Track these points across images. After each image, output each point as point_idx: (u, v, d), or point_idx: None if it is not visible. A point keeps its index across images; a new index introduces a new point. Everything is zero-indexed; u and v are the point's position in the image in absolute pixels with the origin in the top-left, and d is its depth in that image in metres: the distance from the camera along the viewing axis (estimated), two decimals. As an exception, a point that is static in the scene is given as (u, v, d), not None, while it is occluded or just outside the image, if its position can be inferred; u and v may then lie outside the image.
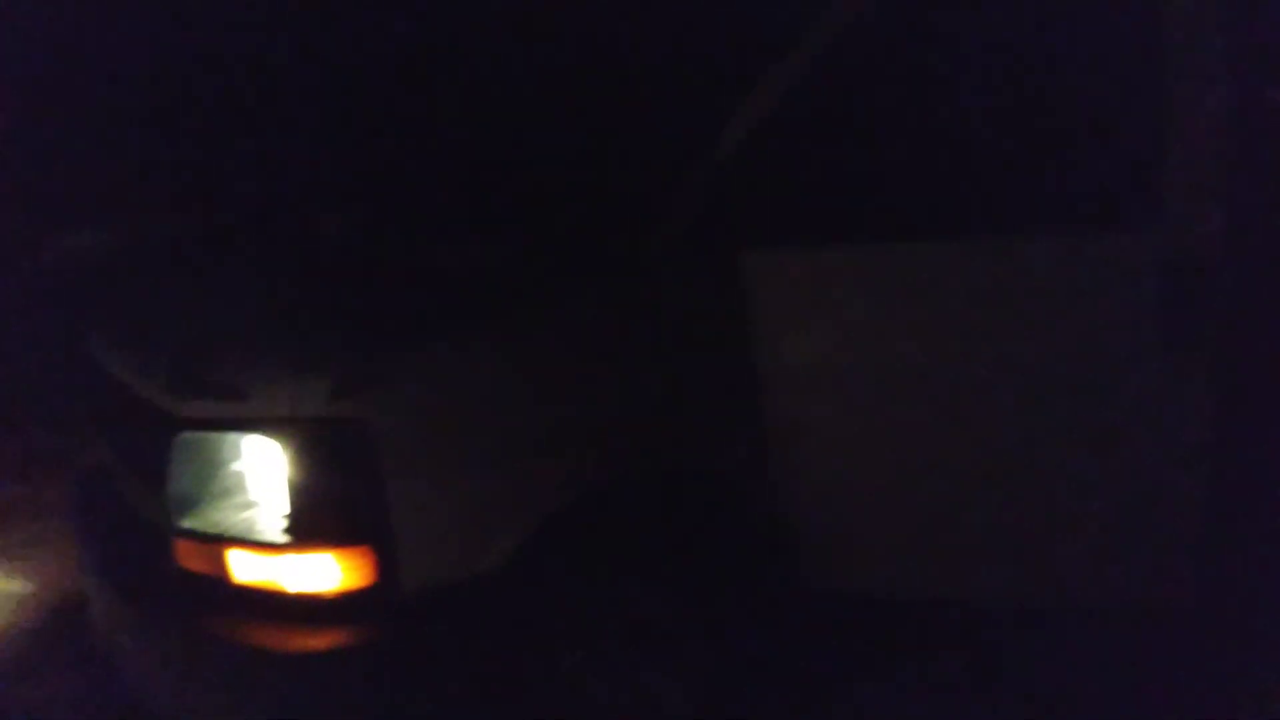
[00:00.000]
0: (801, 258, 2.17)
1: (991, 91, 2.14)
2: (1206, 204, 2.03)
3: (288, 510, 1.86)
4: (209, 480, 1.95)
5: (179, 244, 4.86)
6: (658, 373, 2.09)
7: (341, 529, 1.86)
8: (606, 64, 2.72)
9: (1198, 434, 2.12)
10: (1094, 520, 2.22)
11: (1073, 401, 2.16)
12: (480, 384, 1.92)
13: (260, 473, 1.90)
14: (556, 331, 2.01)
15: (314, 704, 1.91)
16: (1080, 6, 2.11)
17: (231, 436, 1.92)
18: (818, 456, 2.22)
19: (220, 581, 1.94)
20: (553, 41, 2.95)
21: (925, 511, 2.26)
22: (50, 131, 6.20)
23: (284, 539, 1.86)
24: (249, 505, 1.92)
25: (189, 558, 1.97)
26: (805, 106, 2.13)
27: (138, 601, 2.10)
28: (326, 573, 1.87)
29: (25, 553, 3.60)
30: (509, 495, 1.95)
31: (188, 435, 1.94)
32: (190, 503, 1.95)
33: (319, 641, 1.87)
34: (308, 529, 1.86)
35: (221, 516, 1.94)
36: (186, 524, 1.95)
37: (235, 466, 1.93)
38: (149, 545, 2.06)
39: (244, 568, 1.91)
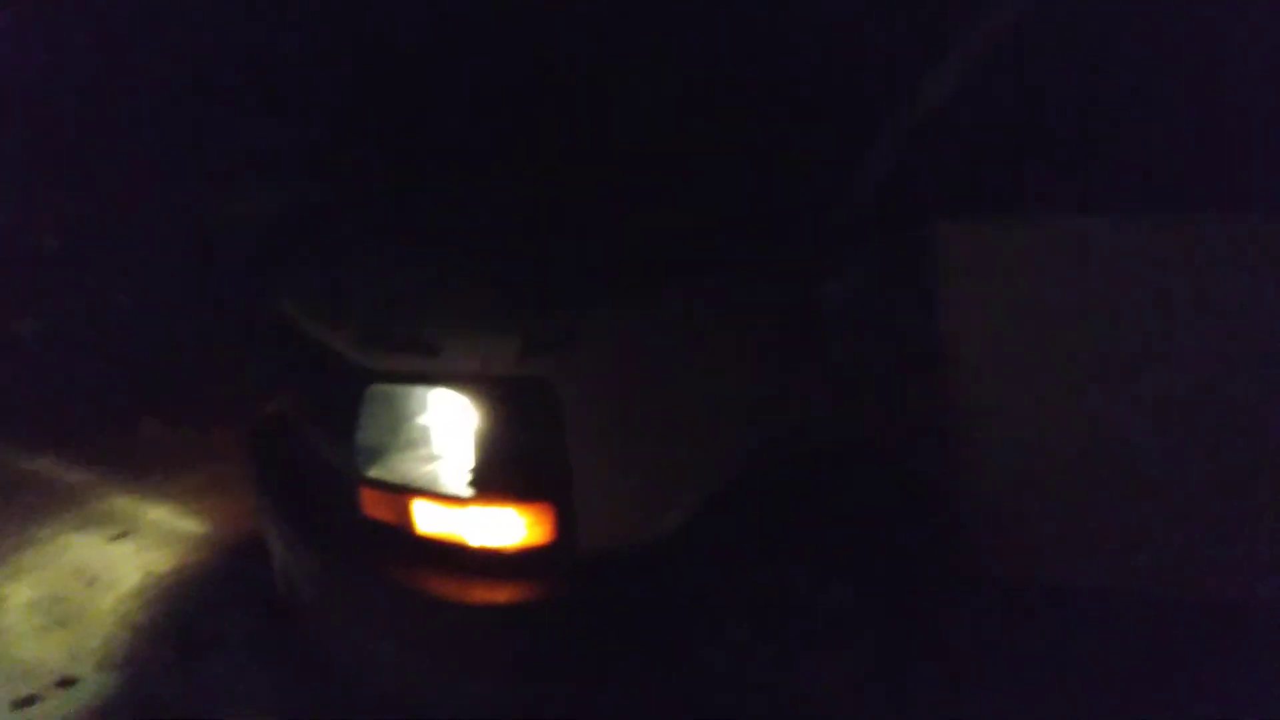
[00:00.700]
0: (999, 230, 2.08)
1: (1211, 62, 2.01)
2: None
3: (472, 464, 1.89)
4: (397, 432, 2.00)
5: (356, 206, 5.02)
6: (839, 347, 2.04)
7: (524, 485, 1.89)
8: (796, 25, 2.66)
9: None
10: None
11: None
12: (665, 350, 1.92)
13: (447, 426, 1.93)
14: (741, 299, 1.99)
15: (489, 656, 1.96)
16: None
17: (420, 390, 1.96)
18: (1004, 439, 2.13)
19: (403, 531, 1.99)
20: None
21: (1115, 500, 2.15)
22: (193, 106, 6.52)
23: (468, 492, 1.90)
24: (434, 458, 1.96)
25: (374, 506, 2.03)
26: (1002, 74, 2.04)
27: (321, 546, 2.18)
28: (508, 527, 1.90)
29: (200, 495, 3.79)
30: (687, 463, 1.94)
31: (378, 387, 1.99)
32: (377, 453, 2.01)
33: (498, 595, 1.91)
34: (491, 483, 1.89)
35: (408, 468, 1.98)
36: (373, 473, 2.00)
37: (422, 419, 1.97)
38: (333, 493, 2.13)
39: (427, 518, 1.96)
